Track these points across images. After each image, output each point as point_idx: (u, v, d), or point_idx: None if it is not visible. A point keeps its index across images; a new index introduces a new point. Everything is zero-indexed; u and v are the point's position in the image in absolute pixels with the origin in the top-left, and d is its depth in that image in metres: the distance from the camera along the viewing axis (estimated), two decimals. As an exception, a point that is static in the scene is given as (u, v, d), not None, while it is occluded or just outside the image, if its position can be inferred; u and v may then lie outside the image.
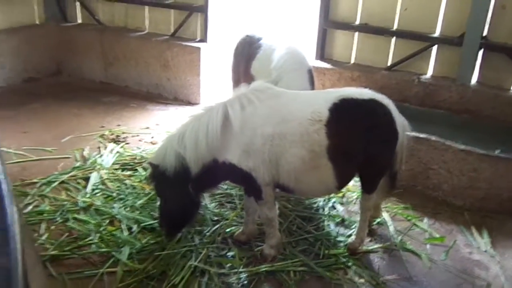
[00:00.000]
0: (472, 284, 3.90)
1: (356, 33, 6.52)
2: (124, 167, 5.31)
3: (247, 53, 5.34)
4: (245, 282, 3.74)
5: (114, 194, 4.74)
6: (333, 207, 4.81)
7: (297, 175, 3.67)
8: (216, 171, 3.72)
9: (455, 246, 4.35)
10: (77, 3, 8.51)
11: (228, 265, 3.90)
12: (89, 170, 5.17)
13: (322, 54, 6.77)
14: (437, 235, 4.48)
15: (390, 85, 6.01)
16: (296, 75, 4.72)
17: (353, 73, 6.31)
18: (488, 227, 4.61)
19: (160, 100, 7.65)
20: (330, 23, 6.59)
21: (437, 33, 5.99)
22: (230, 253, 4.04)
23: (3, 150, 5.33)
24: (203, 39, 7.49)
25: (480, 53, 5.77)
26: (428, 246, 4.35)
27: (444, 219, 4.74)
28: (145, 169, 5.09)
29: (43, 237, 4.08)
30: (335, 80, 6.40)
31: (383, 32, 6.25)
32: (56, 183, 4.90)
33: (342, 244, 4.24)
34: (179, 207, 3.74)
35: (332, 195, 4.86)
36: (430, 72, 6.18)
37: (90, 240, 4.07)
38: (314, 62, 6.52)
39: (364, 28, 6.38)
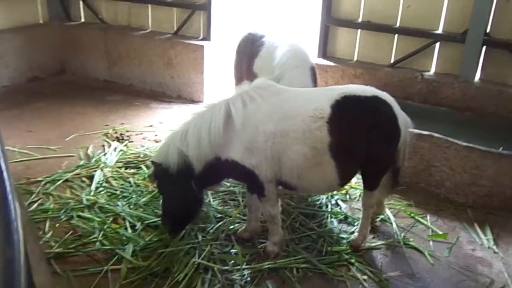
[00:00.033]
0: (475, 281, 3.90)
1: (359, 31, 6.52)
2: (128, 165, 5.34)
3: (249, 50, 5.34)
4: (248, 278, 3.76)
5: (118, 192, 4.77)
6: (336, 204, 4.82)
7: (300, 172, 3.68)
8: (218, 169, 3.74)
9: (458, 243, 4.36)
10: (81, 2, 8.54)
11: (232, 262, 3.91)
12: (93, 168, 5.20)
13: (324, 51, 6.77)
14: (440, 232, 4.48)
15: (393, 82, 6.01)
16: (298, 73, 4.73)
17: (356, 71, 6.32)
18: (491, 224, 4.61)
19: (163, 98, 7.68)
20: (333, 20, 6.60)
21: (440, 30, 5.98)
22: (233, 250, 4.06)
23: (8, 149, 5.37)
24: (206, 37, 7.51)
25: (483, 50, 5.76)
26: (431, 243, 4.35)
27: (447, 216, 4.74)
28: (148, 167, 5.12)
29: (48, 235, 4.11)
30: (338, 77, 6.41)
31: (386, 29, 6.24)
32: (60, 182, 4.93)
33: (345, 241, 4.25)
34: (182, 204, 3.76)
35: (335, 192, 4.87)
36: (433, 69, 6.17)
37: (94, 237, 4.10)
38: (317, 59, 6.53)
39: (367, 26, 6.38)
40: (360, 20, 6.44)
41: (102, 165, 5.25)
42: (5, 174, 1.05)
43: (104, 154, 5.55)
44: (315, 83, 4.91)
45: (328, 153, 3.61)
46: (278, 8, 10.45)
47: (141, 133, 6.30)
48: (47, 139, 5.98)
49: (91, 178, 5.01)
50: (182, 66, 7.57)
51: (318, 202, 4.80)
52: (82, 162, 5.38)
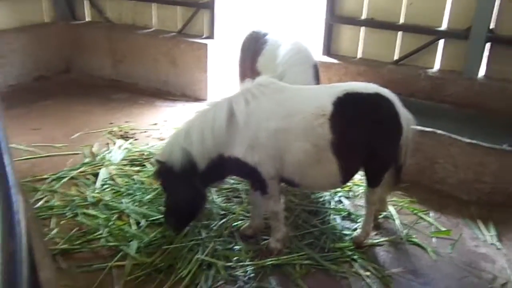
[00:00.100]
0: (478, 277, 3.91)
1: (363, 28, 6.52)
2: (132, 162, 5.38)
3: (253, 48, 5.37)
4: (252, 275, 3.78)
5: (123, 190, 4.80)
6: (340, 201, 4.83)
7: (302, 169, 3.70)
8: (222, 166, 3.76)
9: (461, 239, 4.36)
10: (86, 1, 8.59)
11: (235, 258, 3.94)
12: (98, 166, 5.24)
13: (328, 49, 6.77)
14: (443, 229, 4.48)
15: (396, 80, 6.01)
16: (300, 70, 4.75)
17: (359, 68, 6.32)
18: (495, 220, 4.60)
19: (168, 97, 7.72)
20: (337, 18, 6.60)
21: (443, 27, 5.97)
22: (237, 247, 4.08)
23: (14, 146, 5.42)
24: (210, 36, 7.53)
25: (487, 46, 5.75)
26: (434, 239, 4.36)
27: (450, 213, 4.74)
28: (153, 164, 5.15)
29: (53, 232, 4.15)
30: (342, 75, 6.41)
31: (389, 26, 6.24)
32: (66, 179, 4.98)
33: (347, 238, 4.26)
34: (186, 202, 3.78)
35: (338, 189, 4.89)
36: (436, 66, 6.16)
37: (99, 234, 4.14)
38: (320, 57, 6.54)
39: (370, 23, 6.38)
40: (363, 17, 6.44)
41: (107, 162, 5.29)
42: (8, 168, 1.08)
43: (109, 152, 5.59)
44: (317, 81, 4.93)
45: (330, 150, 3.62)
46: (282, 6, 10.45)
47: (146, 131, 6.34)
48: (53, 137, 6.03)
49: (96, 175, 5.05)
50: (186, 65, 7.60)
51: (321, 199, 4.81)
52: (87, 160, 5.42)
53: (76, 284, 3.60)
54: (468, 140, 4.78)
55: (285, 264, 3.89)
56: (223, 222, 4.36)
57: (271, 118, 3.62)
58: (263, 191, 3.85)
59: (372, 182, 3.99)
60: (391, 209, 4.69)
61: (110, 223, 4.27)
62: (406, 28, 6.16)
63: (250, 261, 3.91)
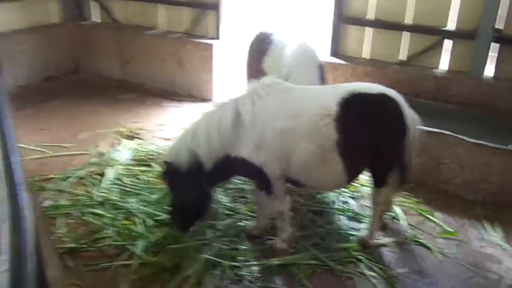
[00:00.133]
0: (484, 278, 3.90)
1: (369, 29, 6.51)
2: (139, 162, 5.41)
3: (259, 49, 5.39)
4: (257, 274, 3.79)
5: (129, 189, 4.84)
6: (346, 202, 4.83)
7: (307, 169, 3.72)
8: (228, 166, 3.78)
9: (467, 240, 4.35)
10: (94, 2, 8.64)
11: (241, 258, 3.95)
12: (105, 165, 5.28)
13: (335, 50, 6.77)
14: (449, 229, 4.47)
15: (402, 80, 5.99)
16: (306, 71, 4.75)
17: (366, 69, 6.32)
18: (501, 221, 4.58)
19: (174, 97, 7.75)
20: (344, 19, 6.59)
21: (450, 27, 5.95)
22: (243, 247, 4.09)
23: (23, 146, 5.47)
24: (217, 37, 7.55)
25: (496, 47, 5.72)
26: (440, 240, 4.35)
27: (456, 213, 4.73)
28: (159, 164, 5.18)
29: (61, 230, 4.19)
30: (348, 75, 6.40)
31: (396, 27, 6.23)
32: (73, 178, 5.02)
33: (353, 238, 4.27)
34: (192, 201, 3.80)
35: (344, 189, 4.89)
36: (443, 66, 6.14)
37: (106, 233, 4.17)
38: (328, 58, 6.54)
39: (377, 23, 6.37)
40: (370, 18, 6.43)
41: (114, 162, 5.33)
42: (16, 166, 1.11)
43: (116, 152, 5.63)
44: (323, 81, 4.93)
45: (335, 150, 3.63)
46: (288, 7, 10.45)
47: (153, 131, 6.38)
48: (61, 137, 6.09)
49: (103, 175, 5.09)
50: (192, 65, 7.63)
51: (327, 199, 4.82)
52: (94, 160, 5.46)
53: (83, 282, 3.63)
54: (474, 140, 4.77)
55: (290, 264, 3.90)
56: (229, 222, 4.38)
57: (277, 118, 3.64)
58: (269, 191, 3.87)
59: (378, 182, 3.98)
60: (397, 209, 4.68)
61: (116, 223, 4.30)
62: (412, 28, 6.15)
63: (255, 261, 3.93)
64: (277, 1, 10.02)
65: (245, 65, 5.83)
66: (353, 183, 4.62)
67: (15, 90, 7.42)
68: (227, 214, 4.51)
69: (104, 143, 5.94)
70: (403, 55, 6.34)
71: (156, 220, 4.35)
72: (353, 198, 4.90)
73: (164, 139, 6.12)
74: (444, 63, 6.12)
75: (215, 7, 7.39)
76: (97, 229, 4.24)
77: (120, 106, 7.28)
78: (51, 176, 5.08)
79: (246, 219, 4.45)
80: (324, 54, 6.43)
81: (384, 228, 4.45)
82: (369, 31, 6.52)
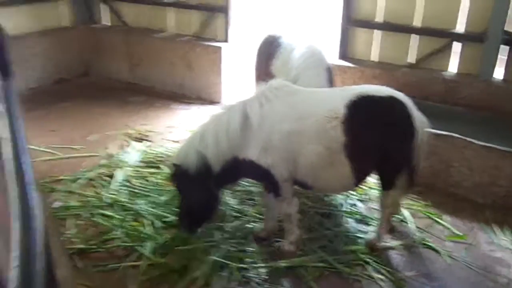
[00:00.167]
0: (493, 282, 3.87)
1: (378, 31, 6.50)
2: (148, 164, 5.45)
3: (268, 52, 5.41)
4: (265, 276, 3.80)
5: (138, 191, 4.87)
6: (354, 204, 4.83)
7: (315, 172, 3.73)
8: (236, 168, 3.80)
9: (476, 243, 4.33)
10: (104, 6, 8.72)
11: (248, 260, 3.96)
12: (114, 167, 5.32)
13: (344, 52, 6.77)
14: (458, 233, 4.45)
15: (411, 83, 5.98)
16: (314, 74, 4.76)
17: (375, 71, 6.31)
18: (510, 224, 4.55)
19: (183, 100, 7.78)
20: (352, 21, 6.59)
21: (459, 29, 5.93)
22: (250, 249, 4.11)
23: (33, 148, 5.53)
24: (225, 39, 7.58)
25: (506, 49, 5.68)
26: (448, 243, 4.33)
27: (465, 217, 4.71)
28: (168, 167, 5.21)
29: (71, 231, 4.23)
30: (357, 78, 6.40)
31: (404, 29, 6.22)
32: (83, 180, 5.07)
33: (361, 241, 4.26)
34: (201, 203, 3.82)
35: (352, 192, 4.89)
36: (452, 69, 6.12)
37: (115, 234, 4.20)
38: (336, 61, 6.54)
39: (386, 26, 6.36)
40: (379, 20, 6.42)
41: (123, 164, 5.37)
42: (26, 166, 1.13)
43: (125, 154, 5.67)
44: (331, 84, 4.93)
45: (342, 153, 3.63)
46: (297, 10, 10.46)
47: (161, 134, 6.42)
48: (71, 139, 6.15)
49: (112, 176, 5.12)
50: (201, 68, 7.66)
51: (334, 202, 4.82)
52: (104, 161, 5.50)
53: (92, 283, 3.66)
54: (483, 143, 4.74)
55: (298, 266, 3.91)
56: (237, 224, 4.40)
57: (284, 121, 3.65)
58: (276, 194, 3.88)
59: (386, 184, 3.98)
60: (405, 212, 4.67)
61: (125, 224, 4.33)
62: (421, 31, 6.13)
63: (263, 263, 3.94)
64: (286, 4, 10.02)
65: (253, 68, 5.84)
66: (361, 186, 4.60)
67: (26, 92, 7.50)
68: (235, 216, 4.53)
69: (113, 145, 5.99)
70: (411, 58, 6.33)
71: (164, 222, 4.38)
72: (361, 200, 4.89)
73: (173, 141, 6.16)
74: (453, 66, 6.11)
75: (224, 10, 7.42)
76: (106, 230, 4.28)
77: (130, 108, 7.34)
78: (61, 177, 5.13)
79: (254, 221, 4.46)
80: (333, 57, 6.44)
81: (392, 231, 4.44)
82: (377, 34, 6.51)
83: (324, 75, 4.85)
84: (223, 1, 7.38)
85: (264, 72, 5.39)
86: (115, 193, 4.82)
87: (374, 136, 3.67)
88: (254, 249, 4.09)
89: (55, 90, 8.02)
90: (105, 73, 8.72)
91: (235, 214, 4.56)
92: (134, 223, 4.36)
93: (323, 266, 3.93)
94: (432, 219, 4.65)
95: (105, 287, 3.68)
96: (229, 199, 4.76)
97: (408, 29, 6.20)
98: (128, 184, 5.00)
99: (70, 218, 4.43)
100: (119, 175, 5.13)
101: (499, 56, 5.70)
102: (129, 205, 4.61)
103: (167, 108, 7.44)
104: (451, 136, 4.90)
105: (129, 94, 7.94)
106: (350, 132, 3.61)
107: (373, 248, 4.13)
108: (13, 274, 0.88)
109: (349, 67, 6.51)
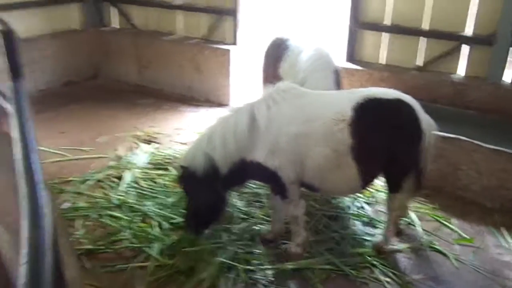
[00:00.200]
0: (501, 285, 3.86)
1: (386, 34, 6.50)
2: (156, 166, 5.48)
3: (275, 54, 5.43)
4: (271, 278, 3.81)
5: (146, 192, 4.90)
6: (361, 207, 4.82)
7: (322, 174, 3.73)
8: (243, 170, 3.82)
9: (484, 246, 4.30)
10: (114, 8, 8.79)
11: (255, 261, 3.98)
12: (123, 169, 5.36)
13: (352, 55, 6.77)
14: (466, 236, 4.43)
15: (419, 85, 5.96)
16: (321, 76, 4.77)
17: (383, 74, 6.30)
18: (519, 228, 4.54)
19: (192, 102, 7.81)
20: (360, 24, 6.59)
21: (467, 32, 5.91)
22: (257, 251, 4.12)
23: (43, 149, 5.59)
24: (234, 42, 7.61)
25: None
26: (456, 247, 4.31)
27: (473, 220, 4.68)
28: (176, 168, 5.24)
29: (79, 232, 4.27)
30: (364, 81, 6.40)
31: (413, 32, 6.21)
32: (91, 181, 5.11)
33: (368, 243, 4.26)
34: (208, 205, 3.84)
35: (360, 194, 4.88)
36: (460, 72, 6.09)
37: (123, 235, 4.24)
38: (344, 63, 6.54)
39: (394, 29, 6.36)
40: (387, 23, 6.42)
41: (131, 166, 5.41)
42: (35, 166, 1.15)
43: (134, 156, 5.70)
44: (338, 87, 4.94)
45: (349, 155, 3.64)
46: (304, 12, 10.48)
47: (170, 136, 6.46)
48: (81, 140, 6.20)
49: (121, 178, 5.16)
50: (210, 71, 7.69)
51: (342, 205, 4.82)
52: (112, 163, 5.54)
53: (100, 283, 3.70)
54: (492, 146, 4.72)
55: (305, 269, 3.91)
56: (244, 226, 4.41)
57: (292, 123, 3.66)
58: (283, 196, 3.89)
59: (393, 187, 3.97)
60: (413, 215, 4.66)
61: (133, 225, 4.36)
62: (430, 33, 6.12)
63: (270, 265, 3.95)
64: (294, 6, 10.04)
65: (261, 70, 5.86)
66: (368, 188, 4.60)
67: (36, 94, 7.57)
68: (242, 218, 4.54)
69: (122, 146, 6.03)
70: (420, 61, 6.31)
71: (172, 223, 4.40)
72: (368, 203, 4.88)
73: (181, 143, 6.19)
74: (461, 69, 6.08)
75: (233, 13, 7.45)
76: (114, 231, 4.31)
77: (138, 110, 7.38)
78: (70, 178, 5.18)
79: (261, 223, 4.47)
80: (340, 60, 6.43)
81: (399, 233, 4.43)
82: (385, 37, 6.51)
83: (332, 78, 4.86)
84: (231, 4, 7.41)
85: (271, 74, 5.40)
86: (123, 194, 4.85)
87: (381, 138, 3.67)
88: (261, 251, 4.10)
89: (64, 92, 8.09)
90: (114, 76, 8.78)
91: (242, 216, 4.58)
92: (142, 224, 4.39)
93: (330, 269, 3.93)
94: (440, 222, 4.63)
95: (113, 287, 3.71)
96: (236, 201, 4.77)
97: (417, 32, 6.19)
98: (136, 185, 5.04)
99: (78, 219, 4.47)
100: (128, 176, 5.17)
101: (508, 58, 5.68)
102: (137, 206, 4.64)
103: (175, 110, 7.48)
104: (459, 139, 4.88)
105: (137, 97, 7.99)
106: (357, 135, 3.61)
107: (380, 251, 4.12)
108: (21, 270, 0.90)
109: (356, 69, 6.51)
